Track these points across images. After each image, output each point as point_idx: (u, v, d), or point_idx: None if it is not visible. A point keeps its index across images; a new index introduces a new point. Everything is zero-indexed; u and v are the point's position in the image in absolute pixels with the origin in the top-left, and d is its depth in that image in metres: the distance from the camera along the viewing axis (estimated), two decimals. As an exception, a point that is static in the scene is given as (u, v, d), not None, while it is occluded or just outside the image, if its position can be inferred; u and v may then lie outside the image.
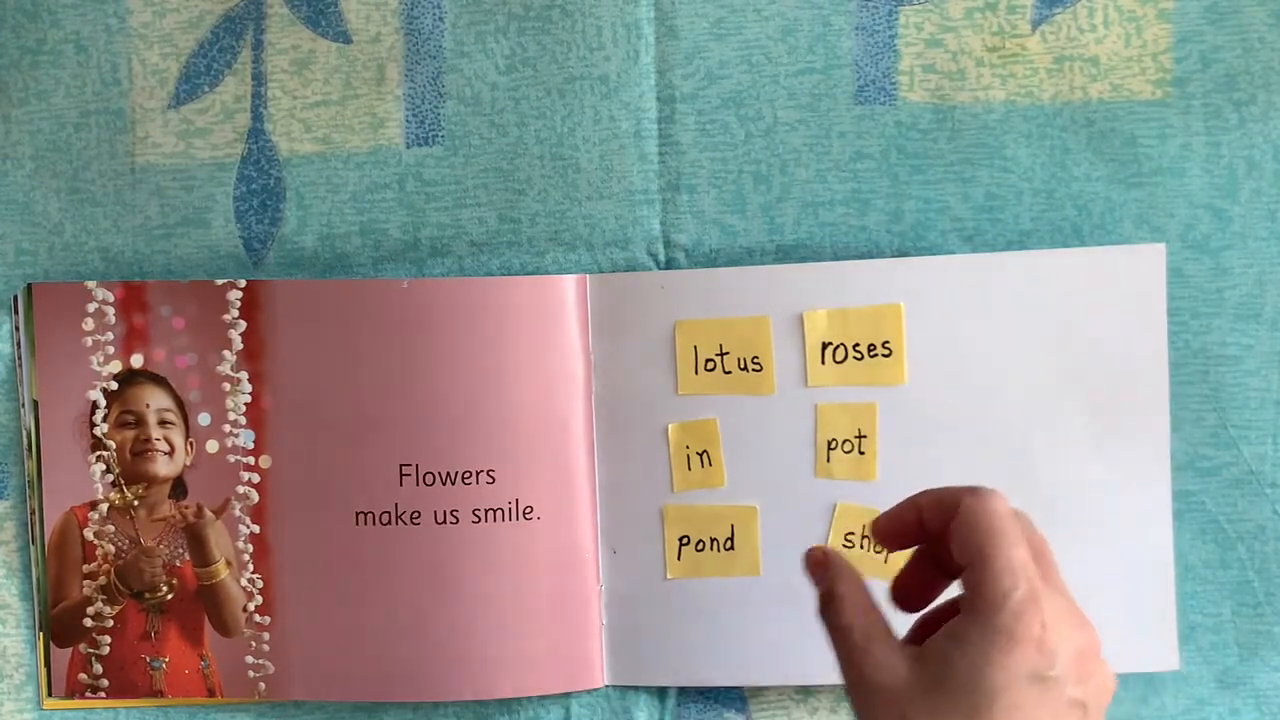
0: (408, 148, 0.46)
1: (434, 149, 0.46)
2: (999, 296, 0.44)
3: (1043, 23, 0.45)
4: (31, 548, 0.46)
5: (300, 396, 0.45)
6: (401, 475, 0.45)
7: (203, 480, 0.46)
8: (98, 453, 0.46)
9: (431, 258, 0.46)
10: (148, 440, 0.46)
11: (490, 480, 0.45)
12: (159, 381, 0.46)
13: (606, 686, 0.46)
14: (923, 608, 0.36)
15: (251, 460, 0.45)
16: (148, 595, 0.46)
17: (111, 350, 0.46)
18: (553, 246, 0.46)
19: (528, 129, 0.46)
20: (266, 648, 0.46)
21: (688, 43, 0.45)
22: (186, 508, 0.46)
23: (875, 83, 0.45)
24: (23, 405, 0.46)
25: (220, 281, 0.45)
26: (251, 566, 0.46)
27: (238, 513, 0.46)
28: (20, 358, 0.46)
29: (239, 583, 0.46)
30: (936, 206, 0.45)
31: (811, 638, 0.45)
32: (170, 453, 0.46)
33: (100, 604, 0.46)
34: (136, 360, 0.46)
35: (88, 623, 0.46)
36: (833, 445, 0.45)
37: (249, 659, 0.46)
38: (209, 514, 0.46)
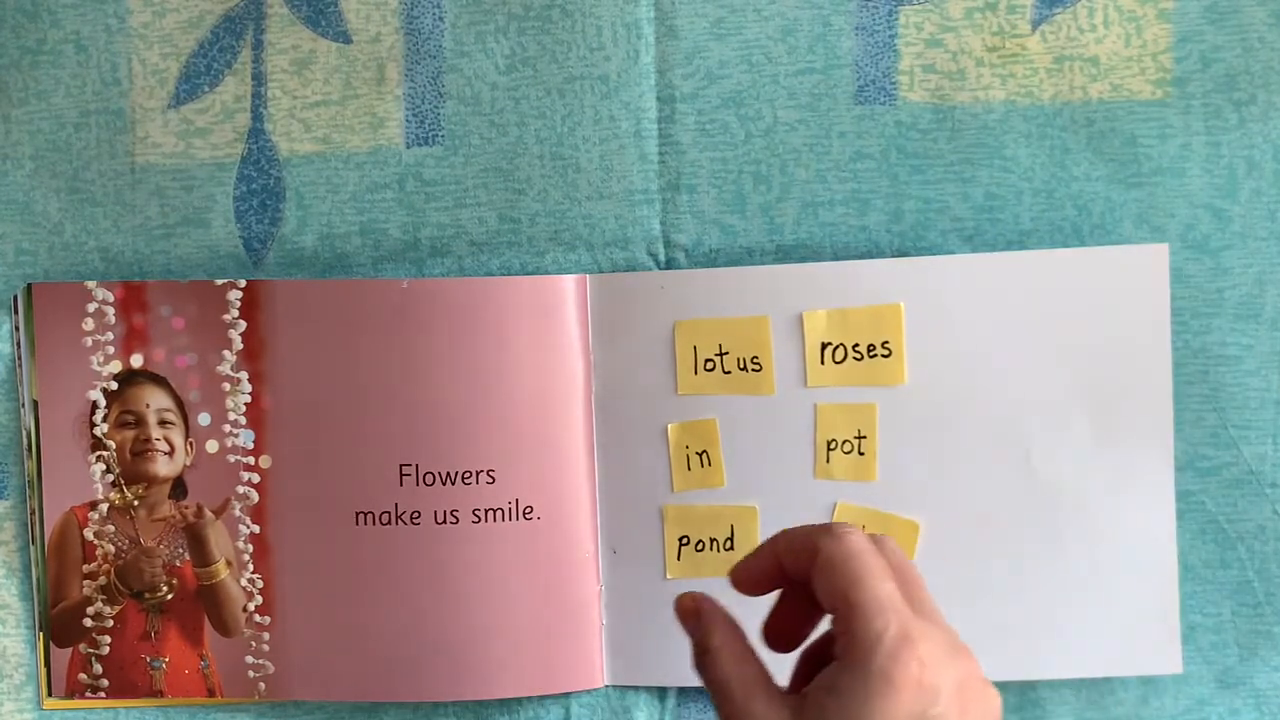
0: (408, 148, 0.46)
1: (434, 149, 0.46)
2: (999, 296, 0.44)
3: (1043, 23, 0.45)
4: (31, 548, 0.46)
5: (300, 396, 0.45)
6: (401, 475, 0.45)
7: (203, 480, 0.46)
8: (98, 453, 0.46)
9: (431, 258, 0.46)
10: (148, 440, 0.46)
11: (490, 480, 0.45)
12: (159, 381, 0.46)
13: (606, 686, 0.46)
14: (797, 646, 0.35)
15: (251, 460, 0.45)
16: (148, 595, 0.46)
17: (111, 350, 0.46)
18: (553, 246, 0.46)
19: (528, 129, 0.46)
20: (266, 648, 0.46)
21: (688, 43, 0.45)
22: (186, 508, 0.46)
23: (875, 83, 0.45)
24: (23, 405, 0.46)
25: (220, 281, 0.45)
26: (251, 566, 0.46)
27: (238, 513, 0.46)
28: (20, 358, 0.46)
29: (239, 583, 0.46)
30: (936, 206, 0.45)
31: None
32: (170, 453, 0.46)
33: (100, 604, 0.46)
34: (136, 360, 0.46)
35: (88, 623, 0.46)
36: (832, 445, 0.45)
37: (249, 659, 0.46)
38: (209, 514, 0.46)
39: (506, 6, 0.46)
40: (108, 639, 0.46)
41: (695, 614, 0.35)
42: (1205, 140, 0.45)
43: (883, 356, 0.44)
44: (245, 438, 0.45)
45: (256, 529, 0.46)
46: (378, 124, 0.46)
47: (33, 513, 0.46)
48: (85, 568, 0.46)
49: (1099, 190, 0.45)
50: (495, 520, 0.45)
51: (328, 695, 0.46)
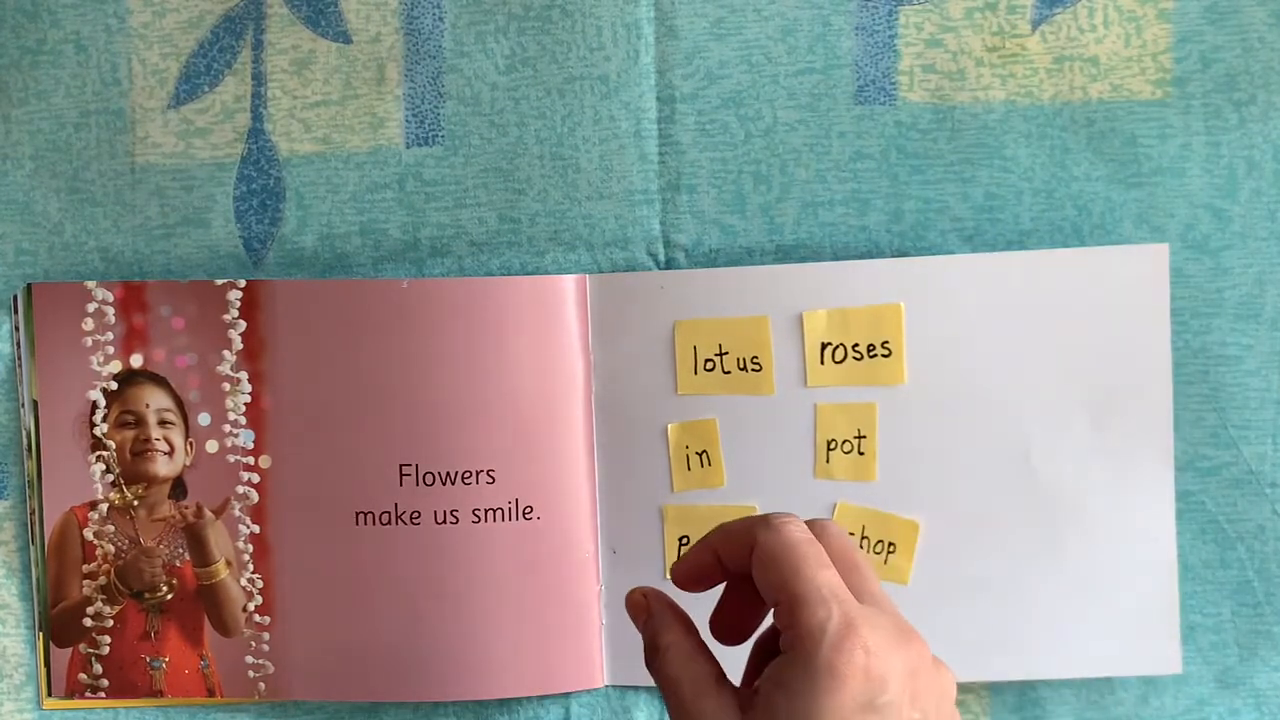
0: (408, 148, 0.46)
1: (434, 149, 0.46)
2: (999, 296, 0.44)
3: (1043, 23, 0.45)
4: (31, 548, 0.46)
5: (300, 396, 0.45)
6: (401, 475, 0.45)
7: (203, 480, 0.46)
8: (98, 453, 0.46)
9: (431, 258, 0.46)
10: (147, 440, 0.46)
11: (490, 480, 0.45)
12: (159, 381, 0.46)
13: (606, 686, 0.46)
14: (746, 639, 0.35)
15: (251, 460, 0.45)
16: (148, 595, 0.46)
17: (111, 350, 0.46)
18: (553, 246, 0.46)
19: (528, 129, 0.46)
20: (266, 648, 0.46)
21: (688, 43, 0.45)
22: (186, 508, 0.46)
23: (875, 83, 0.45)
24: (23, 405, 0.46)
25: (220, 281, 0.45)
26: (251, 566, 0.46)
27: (237, 513, 0.46)
28: (20, 358, 0.46)
29: (239, 583, 0.46)
30: (936, 206, 0.45)
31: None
32: (170, 453, 0.46)
33: (100, 604, 0.46)
34: (136, 360, 0.46)
35: (87, 623, 0.46)
36: (832, 445, 0.45)
37: (249, 659, 0.46)
38: (209, 514, 0.46)
39: (506, 6, 0.46)
40: (108, 639, 0.46)
41: (646, 610, 0.34)
42: (1205, 140, 0.45)
43: (883, 356, 0.44)
44: (245, 438, 0.45)
45: (256, 529, 0.46)
46: (378, 124, 0.46)
47: (33, 513, 0.46)
48: (85, 568, 0.46)
49: (1099, 190, 0.45)
50: (495, 520, 0.45)
51: (328, 695, 0.46)
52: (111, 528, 0.46)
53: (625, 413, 0.45)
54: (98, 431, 0.46)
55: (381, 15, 0.46)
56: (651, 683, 0.45)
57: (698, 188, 0.46)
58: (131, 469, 0.46)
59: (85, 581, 0.46)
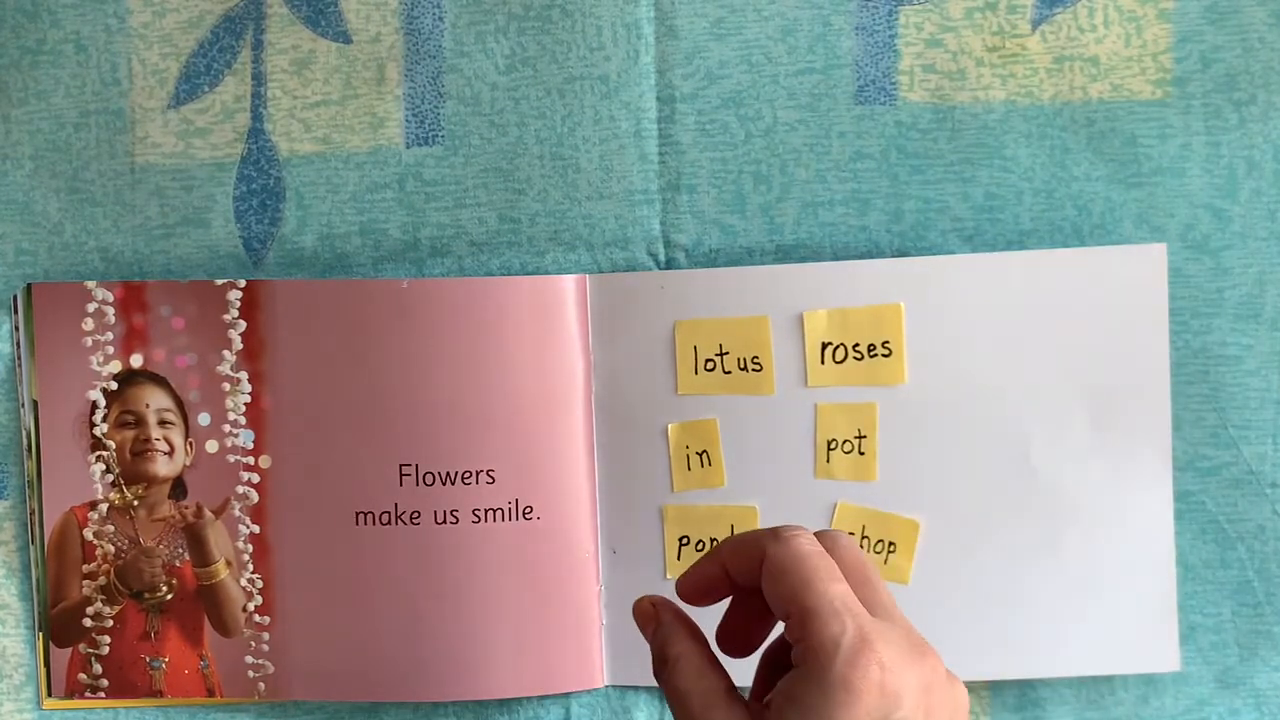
0: (408, 148, 0.46)
1: (434, 149, 0.46)
2: (999, 296, 0.44)
3: (1043, 23, 0.45)
4: (31, 548, 0.46)
5: (300, 396, 0.45)
6: (401, 475, 0.45)
7: (202, 480, 0.46)
8: (97, 453, 0.46)
9: (431, 258, 0.46)
10: (147, 440, 0.46)
11: (490, 480, 0.45)
12: (159, 381, 0.46)
13: (606, 686, 0.46)
14: (753, 651, 0.34)
15: (251, 460, 0.45)
16: (147, 595, 0.46)
17: (111, 350, 0.46)
18: (553, 246, 0.46)
19: (528, 129, 0.46)
20: (266, 648, 0.46)
21: (688, 43, 0.45)
22: (186, 508, 0.46)
23: (875, 83, 0.45)
24: (22, 405, 0.46)
25: (220, 281, 0.45)
26: (251, 566, 0.46)
27: (237, 513, 0.46)
28: (20, 358, 0.46)
29: (239, 583, 0.46)
30: (936, 206, 0.45)
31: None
32: (170, 453, 0.46)
33: (100, 604, 0.46)
34: (136, 360, 0.46)
35: (87, 623, 0.46)
36: (833, 445, 0.45)
37: (249, 659, 0.46)
38: (209, 514, 0.46)
39: (506, 6, 0.46)
40: (107, 639, 0.46)
41: (654, 620, 0.34)
42: (1205, 140, 0.45)
43: (883, 356, 0.44)
44: (245, 438, 0.45)
45: (256, 529, 0.45)
46: (378, 124, 0.46)
47: (32, 513, 0.46)
48: (85, 568, 0.46)
49: (1099, 190, 0.45)
50: (495, 520, 0.45)
51: (328, 695, 0.46)
52: (111, 528, 0.46)
53: (625, 413, 0.45)
54: (98, 431, 0.46)
55: (381, 15, 0.46)
56: (652, 683, 0.46)
57: (698, 188, 0.46)
58: (131, 469, 0.46)
59: (85, 581, 0.46)
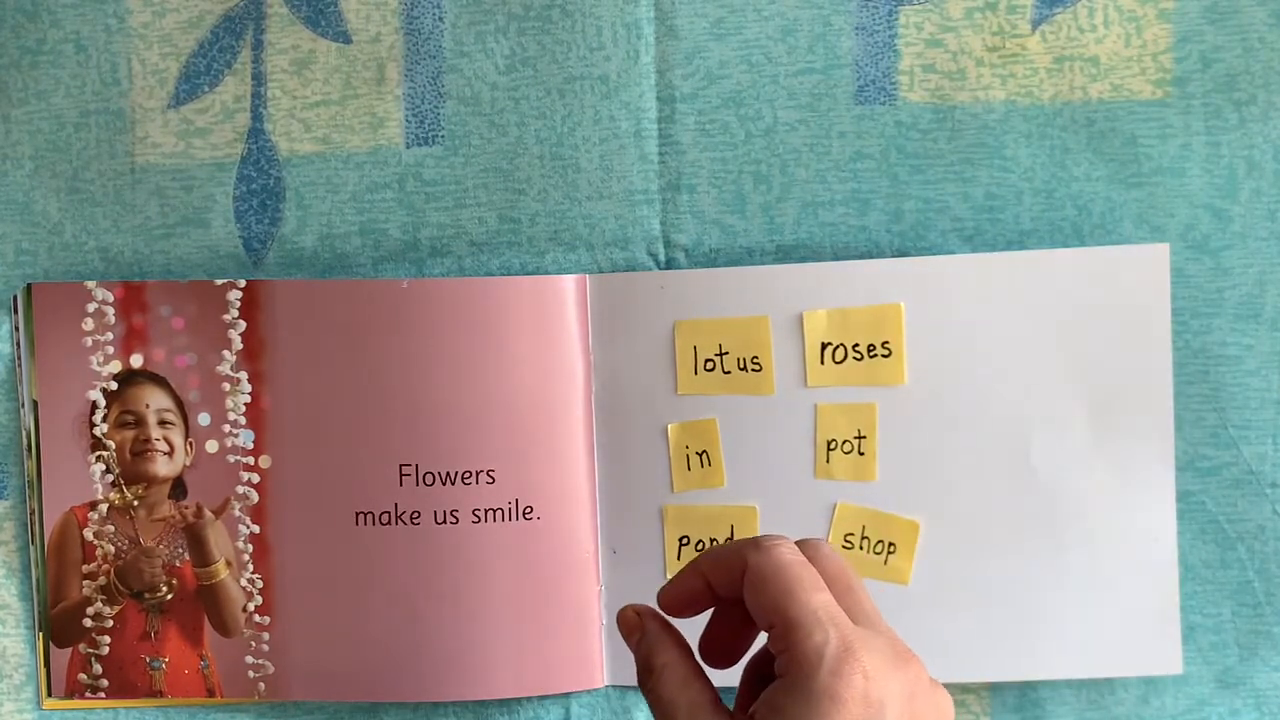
0: (408, 148, 0.46)
1: (434, 149, 0.46)
2: (999, 296, 0.44)
3: (1043, 23, 0.45)
4: (31, 548, 0.46)
5: (300, 396, 0.45)
6: (401, 475, 0.45)
7: (202, 480, 0.46)
8: (97, 453, 0.46)
9: (431, 258, 0.46)
10: (147, 440, 0.46)
11: (490, 480, 0.45)
12: (159, 381, 0.46)
13: (606, 686, 0.46)
14: (736, 662, 0.34)
15: (251, 460, 0.45)
16: (147, 595, 0.46)
17: (111, 350, 0.46)
18: (553, 246, 0.46)
19: (528, 129, 0.46)
20: (266, 648, 0.46)
21: (688, 43, 0.45)
22: (186, 508, 0.46)
23: (875, 83, 0.45)
24: (23, 405, 0.46)
25: (220, 281, 0.45)
26: (251, 566, 0.46)
27: (237, 513, 0.46)
28: (20, 358, 0.46)
29: (239, 583, 0.46)
30: (936, 206, 0.45)
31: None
32: (170, 453, 0.46)
33: (100, 604, 0.46)
34: (136, 360, 0.46)
35: (87, 623, 0.46)
36: (832, 445, 0.45)
37: (249, 659, 0.46)
38: (209, 514, 0.46)
39: (506, 6, 0.46)
40: (107, 639, 0.46)
41: (639, 629, 0.34)
42: (1205, 140, 0.45)
43: (883, 356, 0.44)
44: (245, 438, 0.45)
45: (256, 529, 0.46)
46: (378, 124, 0.46)
47: (32, 513, 0.46)
48: (85, 568, 0.46)
49: (1099, 190, 0.45)
50: (495, 520, 0.45)
51: (328, 695, 0.46)
52: (111, 528, 0.46)
53: (625, 413, 0.45)
54: (98, 431, 0.46)
55: (381, 15, 0.46)
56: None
57: (698, 188, 0.46)
58: (131, 469, 0.46)
59: (85, 581, 0.46)
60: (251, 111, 0.46)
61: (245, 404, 0.45)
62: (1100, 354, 0.44)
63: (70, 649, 0.46)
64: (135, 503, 0.46)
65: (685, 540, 0.45)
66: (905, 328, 0.44)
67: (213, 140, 0.46)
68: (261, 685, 0.46)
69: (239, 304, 0.45)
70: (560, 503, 0.45)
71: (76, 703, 0.47)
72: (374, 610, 0.45)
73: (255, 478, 0.45)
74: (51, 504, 0.46)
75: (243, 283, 0.45)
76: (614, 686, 0.46)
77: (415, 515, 0.45)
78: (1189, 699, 0.45)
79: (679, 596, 0.34)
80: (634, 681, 0.45)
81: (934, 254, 0.45)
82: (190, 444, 0.46)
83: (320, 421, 0.45)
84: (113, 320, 0.45)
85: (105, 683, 0.46)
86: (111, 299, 0.45)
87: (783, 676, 0.29)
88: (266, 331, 0.45)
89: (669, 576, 0.45)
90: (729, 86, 0.45)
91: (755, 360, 0.45)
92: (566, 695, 0.46)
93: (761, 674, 0.33)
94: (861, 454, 0.44)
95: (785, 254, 0.46)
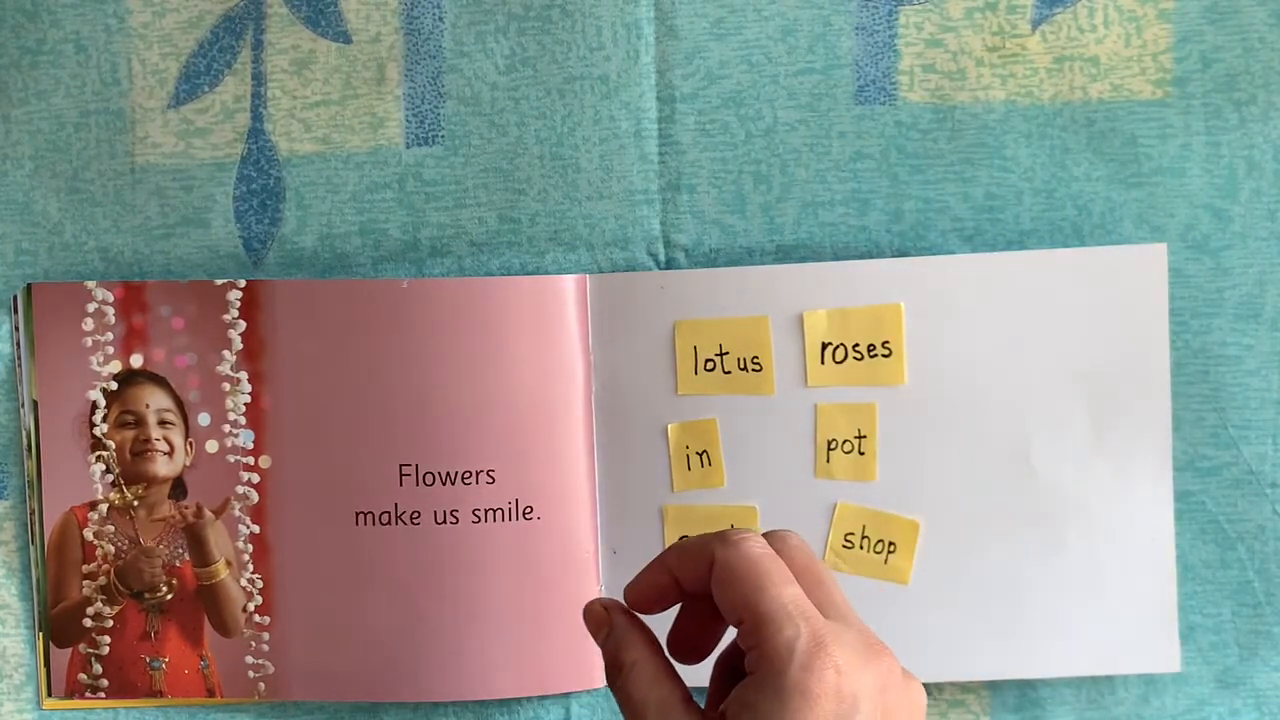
0: (408, 148, 0.46)
1: (434, 149, 0.46)
2: (999, 296, 0.44)
3: (1043, 23, 0.45)
4: (31, 548, 0.46)
5: (300, 396, 0.45)
6: (401, 475, 0.45)
7: (202, 480, 0.46)
8: (97, 453, 0.46)
9: (431, 258, 0.46)
10: (147, 440, 0.46)
11: (490, 480, 0.45)
12: (159, 381, 0.46)
13: (606, 687, 0.46)
14: (704, 657, 0.34)
15: (251, 460, 0.45)
16: (147, 595, 0.46)
17: (111, 350, 0.46)
18: (553, 246, 0.46)
19: (528, 129, 0.46)
20: (266, 648, 0.46)
21: (688, 43, 0.45)
22: (186, 508, 0.46)
23: (875, 83, 0.45)
24: (22, 405, 0.46)
25: (220, 281, 0.45)
26: (251, 566, 0.46)
27: (237, 513, 0.46)
28: (20, 358, 0.46)
29: (239, 583, 0.46)
30: (936, 206, 0.45)
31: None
32: (170, 453, 0.46)
33: (100, 604, 0.46)
34: (136, 360, 0.46)
35: (87, 623, 0.46)
36: (833, 445, 0.45)
37: (249, 659, 0.46)
38: (209, 514, 0.46)
39: (506, 6, 0.46)
40: (107, 639, 0.46)
41: (607, 624, 0.33)
42: (1205, 140, 0.45)
43: (883, 356, 0.44)
44: (245, 438, 0.45)
45: (256, 529, 0.46)
46: (378, 124, 0.46)
47: (32, 513, 0.46)
48: (85, 568, 0.46)
49: (1099, 190, 0.45)
50: (495, 520, 0.45)
51: (328, 695, 0.46)
52: (111, 528, 0.46)
53: (625, 413, 0.45)
54: (98, 431, 0.46)
55: (381, 15, 0.46)
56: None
57: (698, 188, 0.46)
58: (131, 469, 0.46)
59: (85, 581, 0.46)
60: (251, 111, 0.46)
61: (245, 404, 0.45)
62: (1100, 354, 0.44)
63: (70, 649, 0.46)
64: (135, 503, 0.46)
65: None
66: (905, 328, 0.44)
67: (213, 140, 0.46)
68: (261, 685, 0.46)
69: (239, 304, 0.45)
70: (560, 503, 0.45)
71: (76, 703, 0.47)
72: (374, 610, 0.45)
73: (255, 478, 0.45)
74: (51, 504, 0.46)
75: (243, 283, 0.45)
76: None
77: (415, 515, 0.45)
78: (1189, 699, 0.45)
79: (646, 593, 0.33)
80: (634, 681, 0.45)
81: (934, 254, 0.45)
82: (190, 444, 0.46)
83: (320, 421, 0.45)
84: (113, 320, 0.45)
85: (105, 683, 0.46)
86: (111, 299, 0.45)
87: (753, 673, 0.29)
88: (266, 331, 0.45)
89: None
90: (729, 86, 0.45)
91: (755, 360, 0.45)
92: (566, 695, 0.46)
93: (732, 669, 0.32)
94: (861, 454, 0.44)
95: (785, 254, 0.46)
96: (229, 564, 0.46)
